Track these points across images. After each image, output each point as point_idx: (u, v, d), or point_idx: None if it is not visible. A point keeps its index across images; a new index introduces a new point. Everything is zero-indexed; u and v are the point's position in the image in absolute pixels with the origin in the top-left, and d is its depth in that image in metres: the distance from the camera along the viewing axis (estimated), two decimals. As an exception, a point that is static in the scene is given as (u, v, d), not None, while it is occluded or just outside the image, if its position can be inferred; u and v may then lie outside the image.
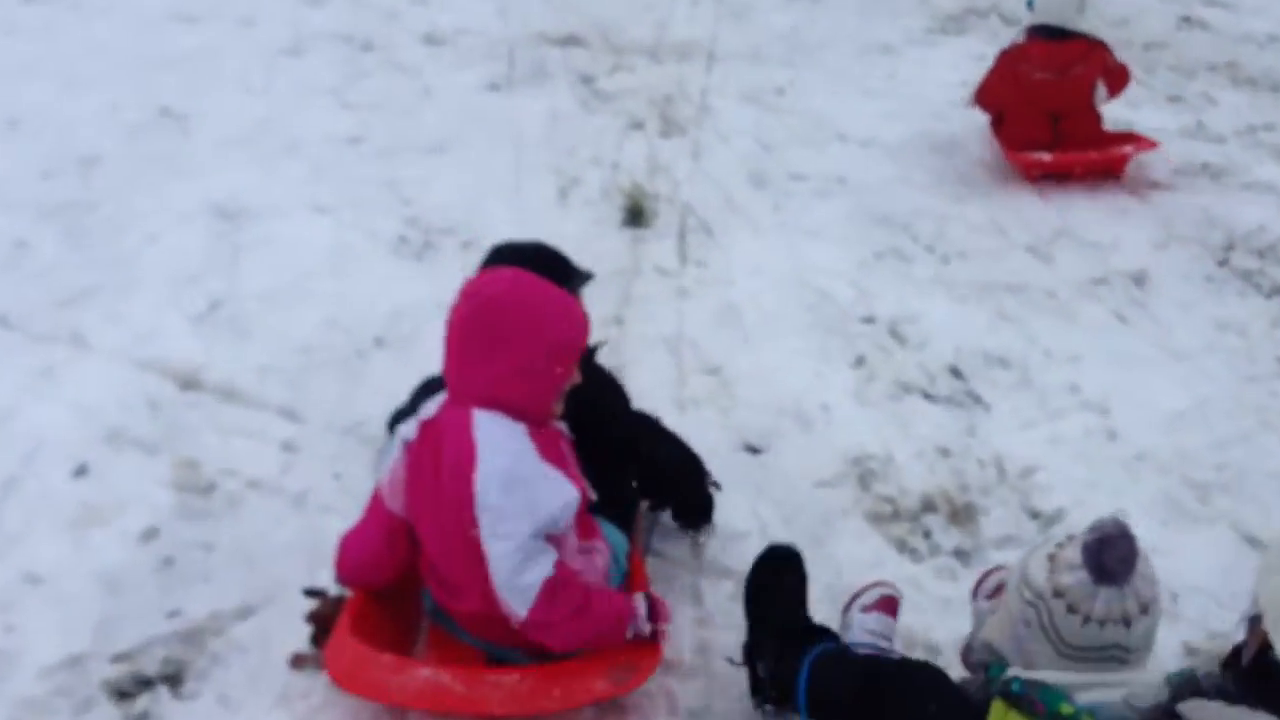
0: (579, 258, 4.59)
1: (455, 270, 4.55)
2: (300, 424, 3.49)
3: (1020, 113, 5.48)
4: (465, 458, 2.23)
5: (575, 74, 7.43)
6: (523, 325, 2.27)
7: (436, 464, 2.30)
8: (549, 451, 2.30)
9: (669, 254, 4.68)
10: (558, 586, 2.26)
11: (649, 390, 3.63)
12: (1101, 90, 5.50)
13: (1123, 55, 7.52)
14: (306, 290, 4.36)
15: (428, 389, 2.75)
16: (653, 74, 7.44)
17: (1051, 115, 5.42)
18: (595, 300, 4.22)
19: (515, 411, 2.29)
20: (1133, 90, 6.73)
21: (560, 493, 2.26)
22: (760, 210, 5.12)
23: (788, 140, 6.07)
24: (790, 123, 6.37)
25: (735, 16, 9.30)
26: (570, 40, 8.35)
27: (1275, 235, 4.76)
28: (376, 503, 2.49)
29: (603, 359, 2.90)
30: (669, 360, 3.93)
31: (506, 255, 2.64)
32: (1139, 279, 4.37)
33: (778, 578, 2.48)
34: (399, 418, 2.82)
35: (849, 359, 3.85)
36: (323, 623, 2.59)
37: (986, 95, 5.62)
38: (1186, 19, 8.75)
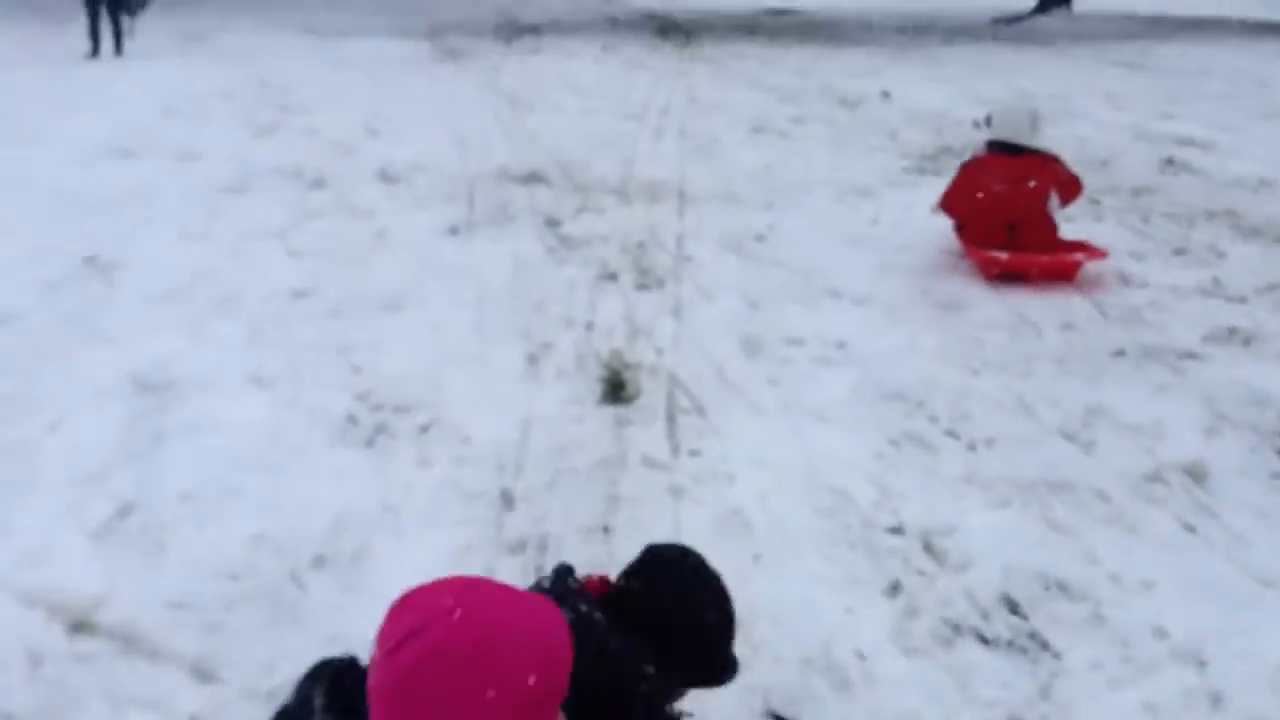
0: (555, 443, 4.09)
1: (410, 462, 3.96)
2: (215, 685, 2.81)
3: (980, 220, 5.93)
4: None
5: (539, 216, 6.94)
6: (481, 685, 1.50)
7: None
8: None
9: (658, 441, 4.09)
10: None
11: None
12: (1054, 200, 5.91)
13: (1111, 203, 7.17)
14: (235, 490, 3.71)
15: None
16: (622, 216, 6.96)
17: (1008, 224, 5.85)
18: (578, 503, 3.67)
19: None
20: (1135, 242, 6.35)
21: None
22: (756, 384, 4.56)
23: (776, 296, 5.56)
24: (776, 275, 5.87)
25: (702, 153, 8.92)
26: (533, 178, 7.89)
27: (1331, 416, 4.26)
28: None
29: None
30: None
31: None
32: (1197, 475, 3.82)
33: None
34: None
35: (882, 585, 3.24)
36: None
37: (950, 203, 6.10)
38: (1170, 161, 8.44)
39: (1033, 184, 5.82)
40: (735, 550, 3.39)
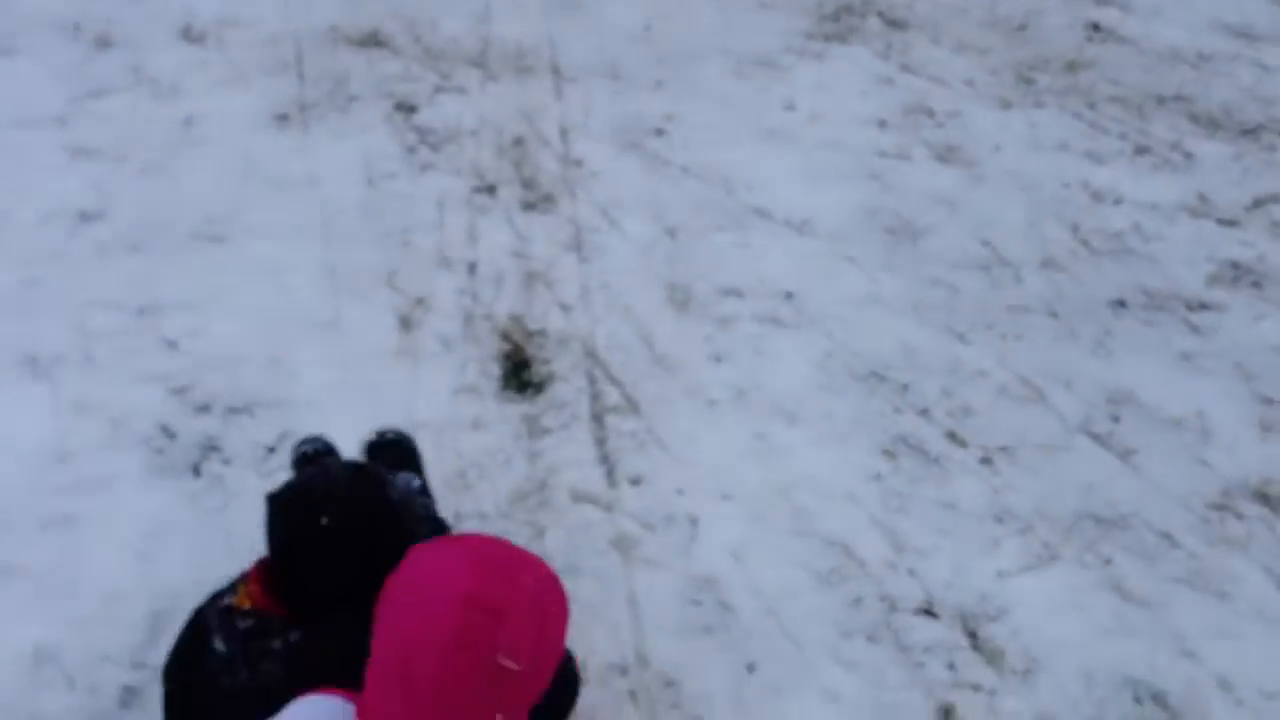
0: (452, 469, 3.06)
1: (254, 504, 2.88)
2: None
3: None
4: None
5: (388, 97, 5.68)
6: (556, 653, 1.42)
7: None
8: None
9: (587, 460, 3.10)
10: None
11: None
12: None
13: (1046, 82, 6.32)
14: (4, 570, 2.60)
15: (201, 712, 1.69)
16: (490, 98, 5.75)
17: None
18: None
19: None
20: (1091, 139, 5.53)
21: None
22: (696, 360, 3.59)
23: (695, 219, 4.54)
24: (689, 188, 4.83)
25: (569, 6, 7.63)
26: (372, 40, 6.54)
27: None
28: None
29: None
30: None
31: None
32: (1271, 500, 3.05)
33: None
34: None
35: (927, 713, 2.38)
36: None
37: None
38: (1095, 27, 7.57)
39: None
40: (719, 655, 2.47)
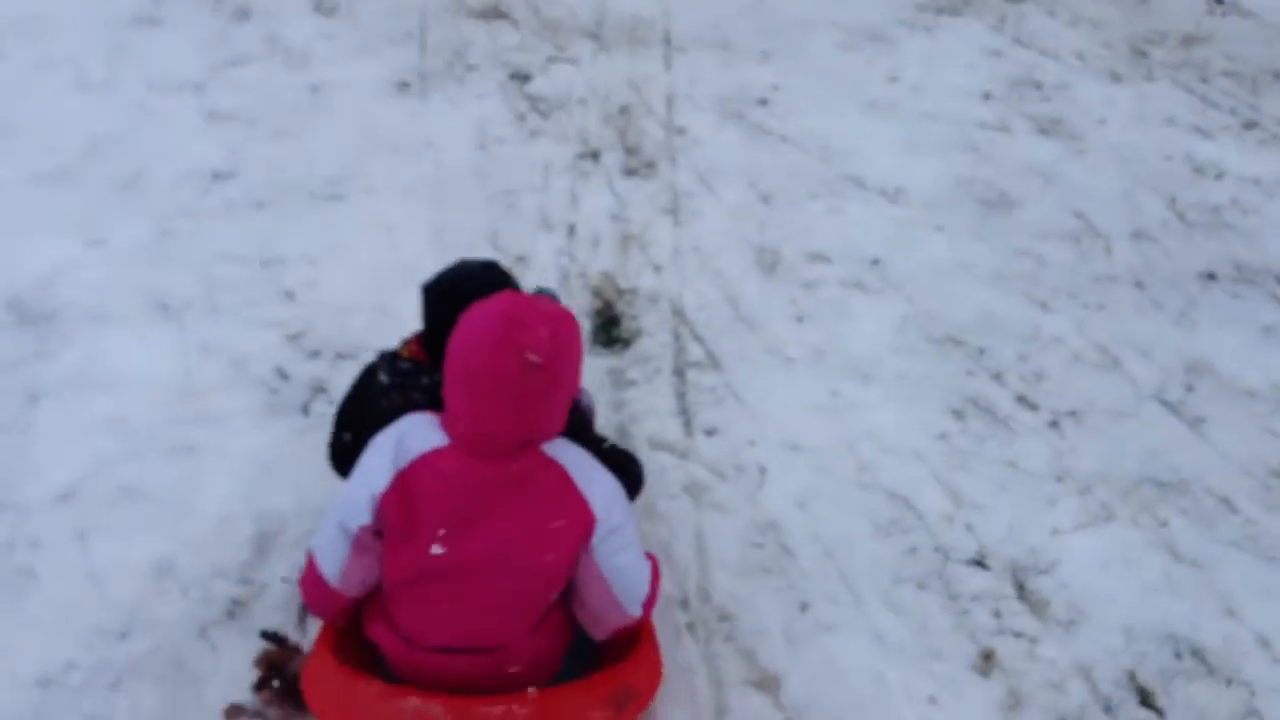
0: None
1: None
2: None
3: None
4: (568, 497, 2.04)
5: (504, 66, 5.91)
6: (573, 353, 2.04)
7: (492, 519, 2.01)
8: None
9: (666, 411, 3.28)
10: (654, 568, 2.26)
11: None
12: None
13: (1161, 56, 6.28)
14: (130, 490, 2.89)
15: (364, 420, 2.33)
16: (601, 69, 5.94)
17: None
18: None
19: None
20: (1199, 113, 5.50)
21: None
22: (779, 321, 3.74)
23: (790, 186, 4.67)
24: (787, 156, 4.96)
25: (688, -22, 7.76)
26: (494, 12, 6.78)
27: None
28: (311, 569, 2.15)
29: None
30: (694, 651, 2.56)
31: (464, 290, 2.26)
32: (1343, 476, 3.10)
33: None
34: (343, 455, 2.45)
35: (969, 656, 2.52)
36: (275, 668, 2.37)
37: None
38: (1218, 0, 7.44)
39: None
40: (776, 594, 2.64)
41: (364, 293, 3.78)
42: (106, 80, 5.51)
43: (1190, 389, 3.45)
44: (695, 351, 3.55)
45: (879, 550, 2.81)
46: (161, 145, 4.83)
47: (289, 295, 3.78)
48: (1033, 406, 3.35)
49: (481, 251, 3.93)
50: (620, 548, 2.09)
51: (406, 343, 2.51)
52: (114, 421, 3.14)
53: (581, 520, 2.03)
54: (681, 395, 3.36)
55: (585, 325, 3.65)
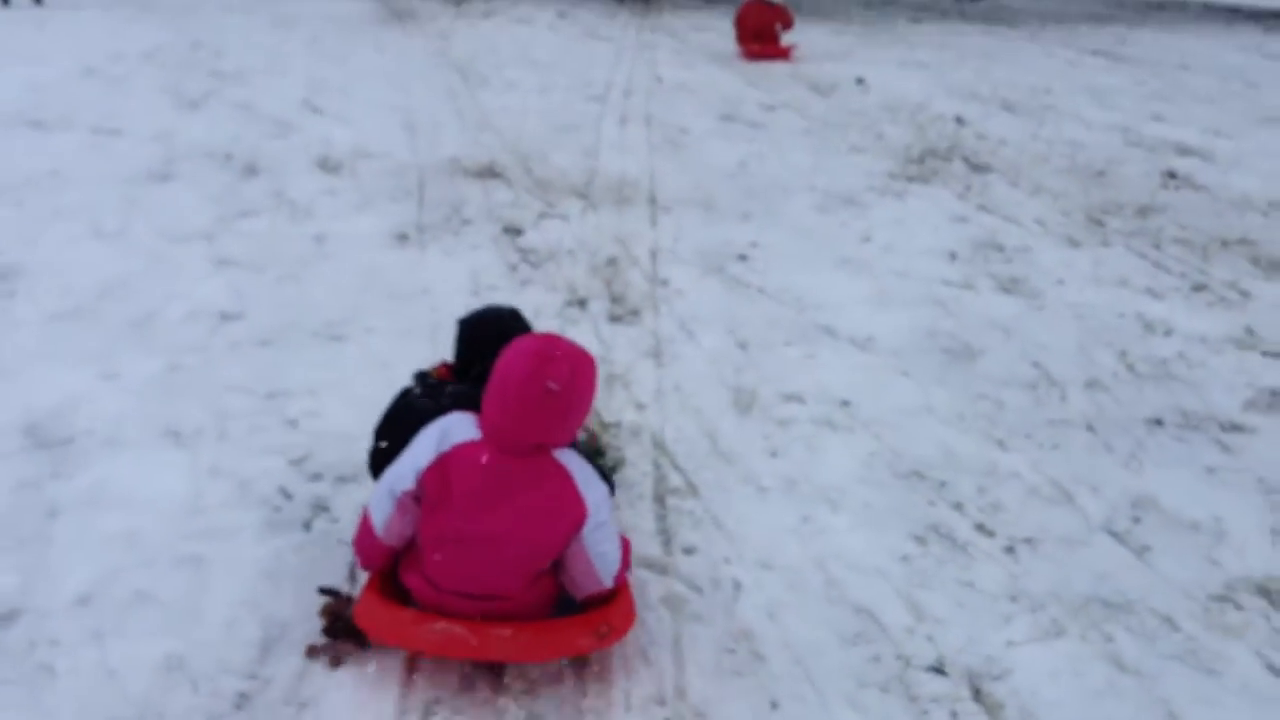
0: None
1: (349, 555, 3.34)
2: None
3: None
4: (563, 501, 2.73)
5: (498, 221, 6.29)
6: (587, 388, 2.73)
7: (507, 497, 2.71)
8: None
9: (647, 532, 3.49)
10: (625, 545, 2.94)
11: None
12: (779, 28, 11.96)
13: (1117, 224, 6.67)
14: (144, 594, 3.08)
15: (399, 424, 3.07)
16: (589, 225, 6.32)
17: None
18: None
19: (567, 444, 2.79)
20: (1151, 276, 5.88)
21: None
22: (754, 454, 3.98)
23: (766, 334, 4.97)
24: (764, 307, 5.28)
25: (671, 145, 8.30)
26: (489, 172, 7.23)
27: None
28: (366, 526, 2.89)
29: None
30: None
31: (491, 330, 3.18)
32: (1273, 595, 3.31)
33: None
34: (380, 460, 3.14)
35: (926, 754, 2.70)
36: (335, 616, 2.99)
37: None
38: (1171, 175, 7.92)
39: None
40: (747, 694, 2.83)
41: (364, 423, 3.95)
42: (120, 229, 5.85)
43: (1137, 520, 3.68)
44: (675, 480, 3.78)
45: (845, 657, 2.99)
46: (172, 288, 5.12)
47: (292, 424, 4.01)
48: (990, 534, 3.58)
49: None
50: (604, 538, 2.77)
51: (435, 367, 3.32)
52: (127, 535, 3.33)
53: (578, 513, 2.72)
54: (662, 518, 3.58)
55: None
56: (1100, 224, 6.76)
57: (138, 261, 5.42)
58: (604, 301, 5.24)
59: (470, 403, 2.85)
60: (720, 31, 14.19)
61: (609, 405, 4.25)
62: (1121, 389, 4.62)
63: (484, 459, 2.69)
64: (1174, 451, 4.15)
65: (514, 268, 5.60)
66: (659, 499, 3.68)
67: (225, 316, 4.87)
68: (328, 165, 7.17)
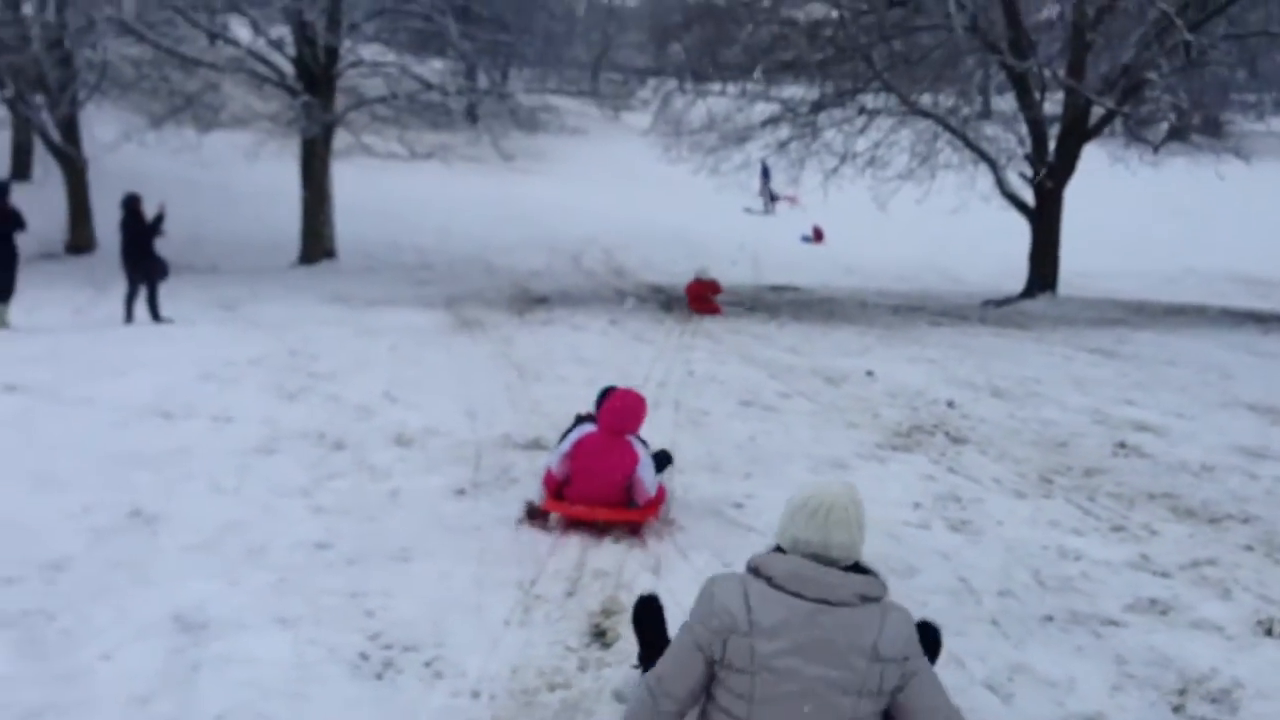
0: (541, 683, 4.71)
1: (413, 695, 4.56)
2: None
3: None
4: (630, 457, 6.64)
5: (539, 479, 7.62)
6: (641, 407, 6.86)
7: (607, 456, 6.63)
8: None
9: (630, 680, 4.67)
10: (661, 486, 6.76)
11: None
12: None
13: (1063, 482, 7.89)
14: (263, 715, 4.31)
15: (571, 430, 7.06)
16: (615, 483, 7.64)
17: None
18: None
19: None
20: (1079, 519, 7.03)
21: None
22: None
23: (747, 556, 6.18)
24: (749, 539, 6.51)
25: (693, 424, 9.69)
26: (535, 444, 8.65)
27: (1227, 679, 4.83)
28: (549, 474, 6.79)
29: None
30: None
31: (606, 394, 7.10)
32: (1100, 734, 4.42)
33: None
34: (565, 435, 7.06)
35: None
36: (532, 511, 6.74)
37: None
38: (1122, 445, 9.17)
39: None
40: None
41: (425, 615, 5.28)
42: (236, 487, 7.30)
43: (1010, 679, 4.80)
44: (657, 650, 4.98)
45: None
46: (278, 528, 6.50)
47: (370, 614, 5.29)
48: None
49: (509, 591, 5.48)
50: (648, 475, 6.68)
51: (589, 414, 7.15)
52: (249, 682, 4.58)
53: (633, 460, 6.66)
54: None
55: (578, 637, 5.12)
56: (1049, 481, 8.00)
57: (252, 510, 6.82)
58: (621, 531, 6.53)
59: (593, 421, 6.89)
60: (754, 335, 15.91)
61: (614, 599, 5.49)
62: (1027, 596, 5.78)
63: (599, 437, 6.64)
64: (1055, 637, 5.29)
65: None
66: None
67: (320, 545, 6.22)
68: (402, 440, 8.65)
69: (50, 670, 4.61)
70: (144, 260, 15.46)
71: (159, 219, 15.54)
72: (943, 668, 4.81)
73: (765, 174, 32.91)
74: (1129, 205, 36.69)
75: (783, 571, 3.50)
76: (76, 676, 4.55)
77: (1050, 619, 5.49)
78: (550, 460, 6.72)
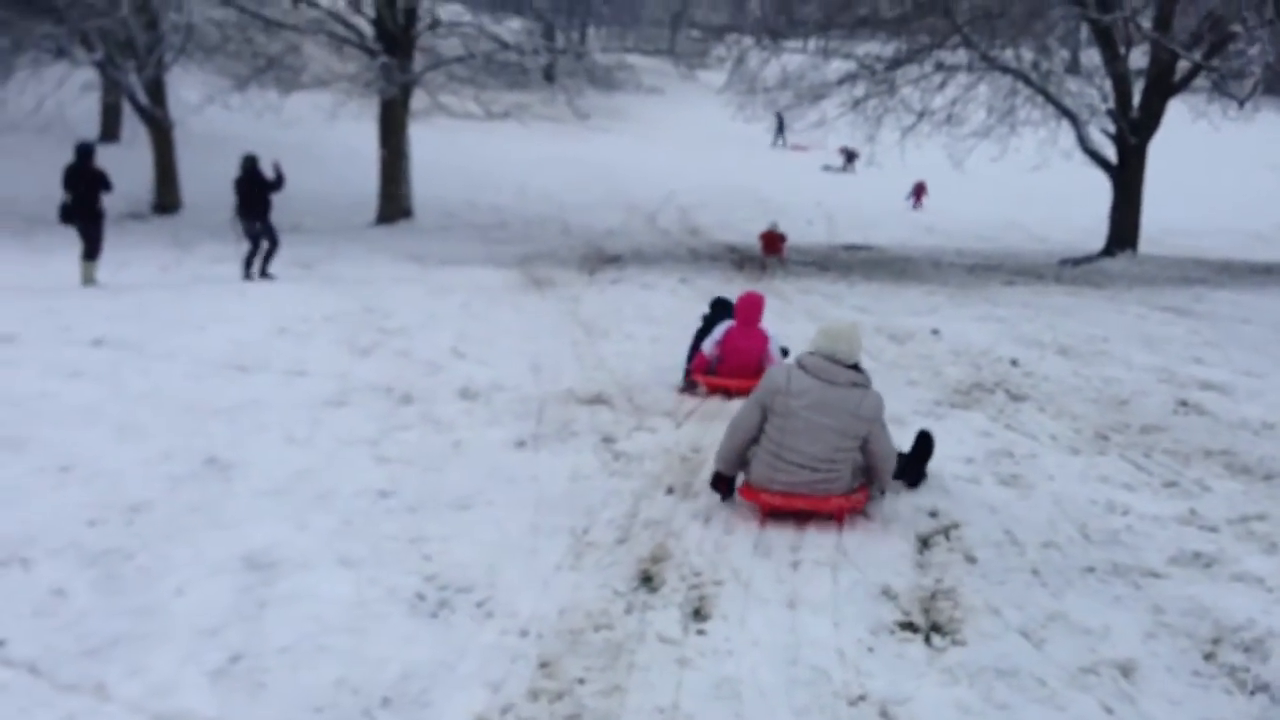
0: (588, 621, 4.93)
1: (466, 631, 4.79)
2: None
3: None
4: (762, 340, 9.33)
5: (598, 433, 7.86)
6: (762, 301, 9.57)
7: (747, 340, 9.31)
8: None
9: (673, 622, 4.87)
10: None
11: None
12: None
13: (1118, 439, 7.92)
14: (324, 647, 4.57)
15: (715, 319, 9.98)
16: (671, 436, 7.84)
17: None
18: (597, 670, 4.46)
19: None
20: (1130, 475, 7.06)
21: None
22: (764, 582, 5.34)
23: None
24: (800, 492, 6.66)
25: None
26: (596, 399, 8.86)
27: (1262, 629, 4.89)
28: (700, 356, 9.35)
29: None
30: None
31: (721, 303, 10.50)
32: (1127, 669, 4.51)
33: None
34: (706, 328, 9.88)
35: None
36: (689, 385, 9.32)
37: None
38: (1184, 403, 9.14)
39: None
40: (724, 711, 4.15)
41: (479, 559, 5.51)
42: (307, 437, 7.59)
43: (1045, 626, 4.92)
44: (701, 594, 5.17)
45: (796, 695, 4.31)
46: (344, 475, 6.77)
47: (427, 557, 5.54)
48: (930, 631, 4.87)
49: (563, 538, 5.70)
50: (777, 356, 9.26)
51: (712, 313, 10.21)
52: (313, 617, 4.85)
53: (764, 342, 9.27)
54: (685, 619, 4.95)
55: (626, 581, 5.32)
56: (1105, 439, 8.03)
57: (320, 459, 7.11)
58: (676, 485, 6.71)
59: (725, 314, 9.80)
60: (824, 294, 15.97)
61: (663, 549, 5.68)
62: (1071, 548, 5.87)
63: (737, 329, 9.27)
64: (1094, 588, 5.38)
65: (606, 464, 7.14)
66: (685, 604, 5.06)
67: (383, 493, 6.48)
68: (467, 394, 8.91)
69: (128, 604, 4.91)
70: (266, 217, 15.94)
71: (279, 177, 15.94)
72: (979, 615, 4.97)
73: (780, 124, 32.55)
74: (1217, 160, 35.97)
75: (809, 363, 6.11)
76: (152, 610, 4.85)
77: (1091, 570, 5.58)
78: (707, 343, 9.33)
